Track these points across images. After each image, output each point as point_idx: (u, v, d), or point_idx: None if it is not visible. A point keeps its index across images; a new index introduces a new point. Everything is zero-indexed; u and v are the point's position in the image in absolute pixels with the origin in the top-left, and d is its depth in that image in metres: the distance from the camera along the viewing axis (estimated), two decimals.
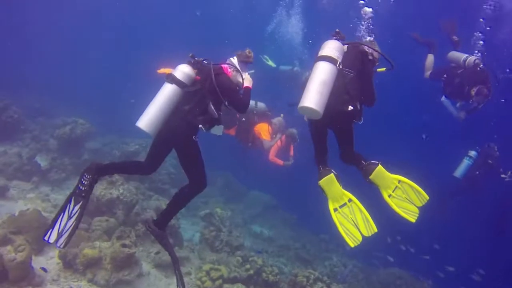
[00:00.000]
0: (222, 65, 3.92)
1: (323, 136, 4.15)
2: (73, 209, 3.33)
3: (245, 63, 4.04)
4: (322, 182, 3.96)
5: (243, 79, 3.97)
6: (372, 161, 3.83)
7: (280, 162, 7.72)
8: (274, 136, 7.78)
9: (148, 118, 3.69)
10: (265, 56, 9.22)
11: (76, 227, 3.28)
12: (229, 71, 3.90)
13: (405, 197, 3.82)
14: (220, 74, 3.79)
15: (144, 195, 7.91)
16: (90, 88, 16.82)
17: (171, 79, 3.72)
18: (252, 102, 7.72)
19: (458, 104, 6.73)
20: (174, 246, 6.61)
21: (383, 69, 4.09)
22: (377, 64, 4.11)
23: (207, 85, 3.72)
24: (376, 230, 3.88)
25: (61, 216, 3.29)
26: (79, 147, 8.85)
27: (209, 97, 3.72)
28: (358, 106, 3.78)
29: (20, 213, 5.17)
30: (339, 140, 4.07)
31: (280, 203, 14.07)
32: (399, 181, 3.83)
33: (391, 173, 3.84)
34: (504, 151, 8.90)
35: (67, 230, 3.24)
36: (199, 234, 8.19)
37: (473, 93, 6.04)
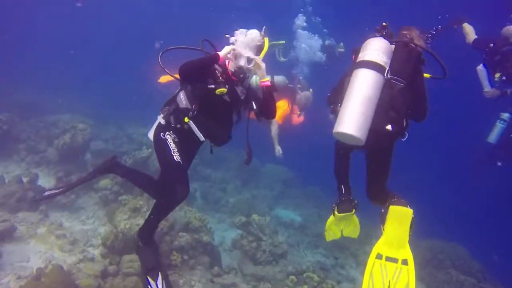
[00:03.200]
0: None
1: (349, 151, 3.53)
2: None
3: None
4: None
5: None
6: (407, 204, 3.08)
7: (300, 118, 6.80)
8: (299, 113, 6.78)
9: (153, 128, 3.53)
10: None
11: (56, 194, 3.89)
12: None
13: (391, 277, 2.95)
14: None
15: None
16: (79, 79, 15.56)
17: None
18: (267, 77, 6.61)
19: (496, 78, 5.74)
20: (213, 267, 5.91)
21: (428, 75, 3.25)
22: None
23: None
24: (355, 236, 3.65)
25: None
26: (82, 155, 7.82)
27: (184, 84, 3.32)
28: (404, 123, 3.10)
29: (38, 273, 4.31)
30: (369, 169, 3.41)
31: (297, 174, 13.43)
32: (405, 260, 2.96)
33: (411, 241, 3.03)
34: None
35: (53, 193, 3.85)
36: (231, 238, 7.52)
37: None
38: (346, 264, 8.22)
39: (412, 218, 3.00)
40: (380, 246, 3.10)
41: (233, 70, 3.27)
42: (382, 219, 3.11)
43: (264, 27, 3.45)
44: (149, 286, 3.13)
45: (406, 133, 3.19)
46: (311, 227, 9.32)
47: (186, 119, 3.19)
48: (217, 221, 8.63)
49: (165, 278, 3.22)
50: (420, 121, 3.28)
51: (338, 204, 3.61)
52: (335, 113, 3.27)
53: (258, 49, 3.35)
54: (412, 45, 3.17)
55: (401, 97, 3.01)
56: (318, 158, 14.24)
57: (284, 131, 6.85)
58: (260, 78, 3.33)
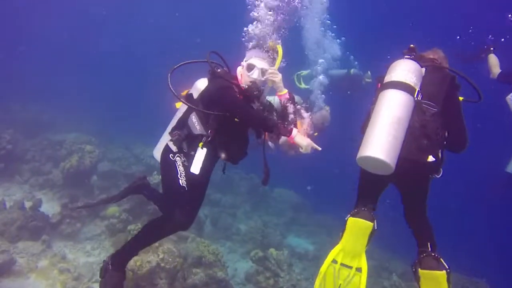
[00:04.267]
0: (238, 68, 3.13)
1: (376, 191, 3.16)
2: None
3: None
4: (353, 221, 2.89)
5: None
6: (440, 259, 2.72)
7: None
8: (313, 133, 6.28)
9: (159, 147, 3.28)
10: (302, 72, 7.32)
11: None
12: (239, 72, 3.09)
13: None
14: (216, 78, 3.00)
15: (176, 235, 6.59)
16: (78, 93, 15.28)
17: (185, 98, 3.10)
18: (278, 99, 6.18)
19: None
20: None
21: (461, 98, 2.95)
22: None
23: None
24: None
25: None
26: (88, 178, 7.40)
27: (197, 107, 2.97)
28: (440, 155, 2.75)
29: None
30: (405, 202, 3.07)
31: (305, 199, 12.97)
32: None
33: None
34: None
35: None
36: (244, 270, 7.02)
37: None
38: None
39: (448, 274, 2.63)
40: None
41: (246, 86, 2.95)
42: (415, 278, 2.77)
43: (275, 34, 3.23)
44: None
45: (441, 169, 2.84)
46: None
47: (200, 145, 2.92)
48: (228, 250, 8.14)
49: None
50: (458, 153, 2.94)
51: (355, 212, 3.00)
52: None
53: (272, 60, 3.09)
54: (446, 68, 2.92)
55: (435, 123, 2.71)
56: (326, 181, 13.88)
57: (295, 153, 6.37)
58: (277, 91, 3.11)
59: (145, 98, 15.16)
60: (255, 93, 2.92)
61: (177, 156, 2.98)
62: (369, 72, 7.23)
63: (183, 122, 3.06)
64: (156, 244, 5.00)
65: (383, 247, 10.55)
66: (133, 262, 4.70)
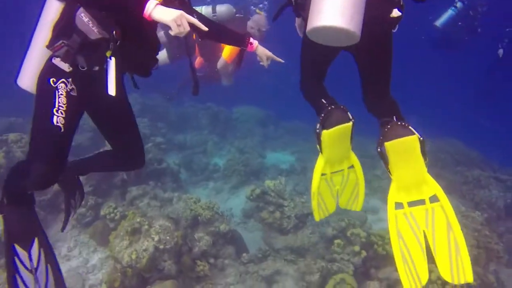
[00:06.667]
0: None
1: (326, 65, 2.65)
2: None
3: None
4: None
5: None
6: (409, 126, 2.26)
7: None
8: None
9: (28, 71, 2.18)
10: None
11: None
12: None
13: (424, 226, 2.24)
14: None
15: (158, 199, 5.82)
16: None
17: None
18: (208, 10, 5.24)
19: None
20: (241, 253, 5.11)
21: None
22: None
23: None
24: (359, 210, 2.83)
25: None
26: None
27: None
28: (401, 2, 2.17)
29: None
30: (363, 73, 2.51)
31: (268, 111, 12.42)
32: (434, 197, 2.24)
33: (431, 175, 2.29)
34: None
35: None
36: (240, 208, 6.58)
37: None
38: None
39: (421, 143, 2.18)
40: (395, 194, 2.31)
41: None
42: (384, 160, 2.32)
43: None
44: (16, 258, 2.03)
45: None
46: (311, 168, 8.56)
47: (108, 54, 1.94)
48: (215, 192, 7.59)
49: (44, 247, 2.16)
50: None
51: (324, 119, 2.45)
52: (304, 9, 2.18)
53: None
54: None
55: None
56: (284, 88, 13.22)
57: (239, 70, 5.48)
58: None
59: None
60: None
61: (62, 82, 1.97)
62: None
63: (68, 24, 1.94)
64: (146, 225, 4.23)
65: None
66: (127, 256, 3.97)
